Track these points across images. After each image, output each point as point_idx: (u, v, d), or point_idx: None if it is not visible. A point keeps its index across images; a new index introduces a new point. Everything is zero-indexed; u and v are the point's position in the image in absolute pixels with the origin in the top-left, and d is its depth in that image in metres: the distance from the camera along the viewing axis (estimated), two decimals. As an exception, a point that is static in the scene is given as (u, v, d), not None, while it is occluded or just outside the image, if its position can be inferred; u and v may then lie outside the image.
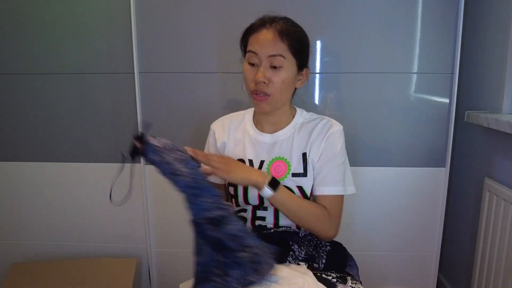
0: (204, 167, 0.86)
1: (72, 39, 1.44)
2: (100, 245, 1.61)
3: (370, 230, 1.51)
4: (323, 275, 0.91)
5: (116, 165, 1.54)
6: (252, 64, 0.94)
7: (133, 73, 1.43)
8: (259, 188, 0.90)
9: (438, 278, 1.58)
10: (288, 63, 0.93)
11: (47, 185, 1.56)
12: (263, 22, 0.94)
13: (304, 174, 0.98)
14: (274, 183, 0.90)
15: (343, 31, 1.37)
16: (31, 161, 1.55)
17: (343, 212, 1.52)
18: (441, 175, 1.45)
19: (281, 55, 0.91)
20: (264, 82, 0.92)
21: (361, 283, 0.97)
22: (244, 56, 0.99)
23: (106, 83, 1.47)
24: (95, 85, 1.47)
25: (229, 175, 0.89)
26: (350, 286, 0.91)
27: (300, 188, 0.98)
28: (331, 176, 0.99)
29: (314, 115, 1.06)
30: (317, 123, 1.02)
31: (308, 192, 0.99)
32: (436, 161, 1.44)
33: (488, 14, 1.32)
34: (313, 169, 1.00)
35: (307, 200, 0.98)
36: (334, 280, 0.91)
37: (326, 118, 1.04)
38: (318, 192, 0.99)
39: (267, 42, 0.91)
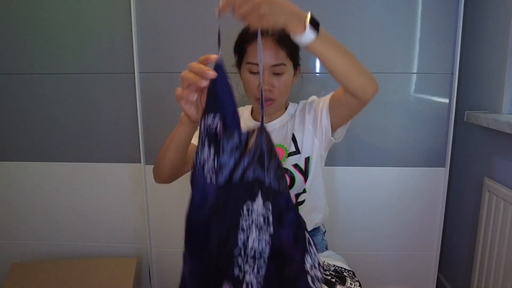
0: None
1: (72, 39, 1.44)
2: (100, 245, 1.61)
3: (370, 230, 1.51)
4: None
5: (116, 165, 1.56)
6: (253, 72, 0.95)
7: (133, 73, 1.43)
8: (296, 31, 0.71)
9: (438, 278, 1.58)
10: (288, 68, 0.96)
11: (47, 185, 1.56)
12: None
13: (298, 151, 1.02)
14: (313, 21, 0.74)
15: (343, 31, 1.37)
16: (31, 161, 1.55)
17: (343, 213, 1.52)
18: (441, 175, 1.45)
19: (282, 64, 0.94)
20: (269, 90, 0.96)
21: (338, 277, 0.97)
22: (238, 61, 1.01)
23: (106, 83, 1.47)
24: (95, 85, 1.47)
25: (271, 19, 0.67)
26: (349, 286, 0.91)
27: (296, 166, 1.00)
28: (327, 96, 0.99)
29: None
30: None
31: (303, 167, 1.00)
32: (436, 161, 1.44)
33: (488, 14, 1.32)
34: (318, 132, 1.00)
35: None
36: (333, 280, 0.91)
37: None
38: (336, 93, 0.95)
39: (267, 52, 0.92)
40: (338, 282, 0.91)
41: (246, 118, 1.11)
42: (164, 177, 0.90)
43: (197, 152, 0.68)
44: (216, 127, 0.68)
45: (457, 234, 1.56)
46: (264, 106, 0.95)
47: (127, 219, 1.58)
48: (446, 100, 1.40)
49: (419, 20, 1.35)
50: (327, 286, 0.87)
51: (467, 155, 1.48)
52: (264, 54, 0.92)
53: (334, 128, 0.98)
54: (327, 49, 0.78)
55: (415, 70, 1.39)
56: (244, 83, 0.99)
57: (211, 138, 0.68)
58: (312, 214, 1.06)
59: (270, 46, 0.93)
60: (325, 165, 1.09)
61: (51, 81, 1.48)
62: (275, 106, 1.00)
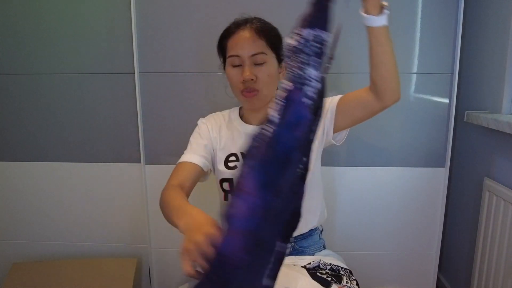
0: None
1: (72, 39, 1.44)
2: (100, 245, 1.61)
3: (370, 230, 1.51)
4: (318, 274, 0.92)
5: (116, 165, 1.55)
6: (235, 66, 0.96)
7: (133, 73, 1.43)
8: (371, 12, 0.81)
9: (438, 278, 1.58)
10: (270, 58, 0.96)
11: (47, 185, 1.57)
12: (237, 25, 0.97)
13: None
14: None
15: (343, 31, 1.36)
16: (31, 161, 1.55)
17: (342, 213, 1.52)
18: (441, 175, 1.45)
19: (262, 52, 0.94)
20: (252, 80, 0.94)
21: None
22: (223, 61, 1.01)
23: (106, 83, 1.47)
24: (95, 85, 1.47)
25: None
26: (345, 285, 0.91)
27: None
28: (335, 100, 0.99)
29: None
30: None
31: None
32: (436, 161, 1.44)
33: (488, 14, 1.32)
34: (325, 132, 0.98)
35: None
36: (329, 279, 0.91)
37: None
38: (352, 95, 0.97)
39: (246, 41, 0.93)
40: (334, 281, 0.91)
41: (234, 121, 1.07)
42: None
43: (297, 67, 0.56)
44: (323, 46, 0.57)
45: (457, 234, 1.56)
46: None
47: (127, 219, 1.58)
48: (446, 100, 1.40)
49: (419, 20, 1.35)
50: (322, 285, 0.87)
51: (467, 155, 1.48)
52: (242, 44, 0.93)
53: (335, 131, 0.97)
54: (387, 40, 0.85)
55: (415, 70, 1.39)
56: (229, 79, 0.99)
57: (318, 56, 0.56)
58: (307, 217, 1.03)
59: (248, 36, 0.93)
60: (325, 165, 1.08)
61: (51, 81, 1.48)
62: (260, 97, 0.97)
